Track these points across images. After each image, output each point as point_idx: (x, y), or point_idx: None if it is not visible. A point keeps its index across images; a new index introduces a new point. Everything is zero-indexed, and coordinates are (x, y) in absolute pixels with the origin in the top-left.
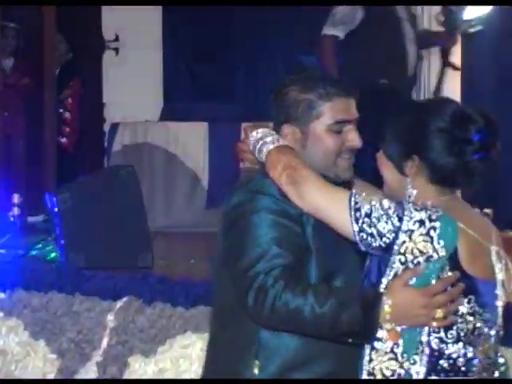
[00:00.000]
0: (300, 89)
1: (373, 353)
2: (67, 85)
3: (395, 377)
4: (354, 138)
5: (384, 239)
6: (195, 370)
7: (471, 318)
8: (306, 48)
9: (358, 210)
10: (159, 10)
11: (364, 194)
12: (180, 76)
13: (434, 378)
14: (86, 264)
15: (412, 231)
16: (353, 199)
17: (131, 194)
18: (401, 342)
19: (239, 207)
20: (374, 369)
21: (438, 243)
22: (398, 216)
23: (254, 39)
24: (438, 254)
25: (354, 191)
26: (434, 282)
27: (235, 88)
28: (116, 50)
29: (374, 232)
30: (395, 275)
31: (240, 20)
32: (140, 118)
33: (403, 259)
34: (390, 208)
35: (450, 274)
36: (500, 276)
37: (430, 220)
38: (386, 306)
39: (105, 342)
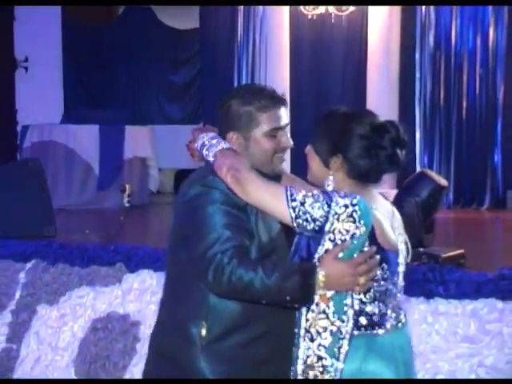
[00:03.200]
0: (241, 102)
1: (309, 314)
2: None
3: (327, 332)
4: (286, 141)
5: (317, 223)
6: (89, 315)
7: (384, 282)
8: (174, 68)
9: (293, 200)
10: (59, 36)
11: (297, 187)
12: (77, 89)
13: (356, 332)
14: (2, 234)
15: (339, 214)
16: (288, 192)
17: (38, 180)
18: (331, 304)
19: (196, 199)
20: (309, 326)
21: (359, 222)
22: (326, 203)
23: (134, 61)
24: (359, 231)
25: (288, 185)
26: (355, 255)
27: (120, 98)
28: (26, 68)
29: (309, 218)
30: (326, 251)
31: (123, 45)
32: (45, 121)
33: (332, 237)
34: (319, 197)
35: (368, 248)
36: (401, 247)
37: (352, 204)
38: (321, 276)
39: (17, 295)
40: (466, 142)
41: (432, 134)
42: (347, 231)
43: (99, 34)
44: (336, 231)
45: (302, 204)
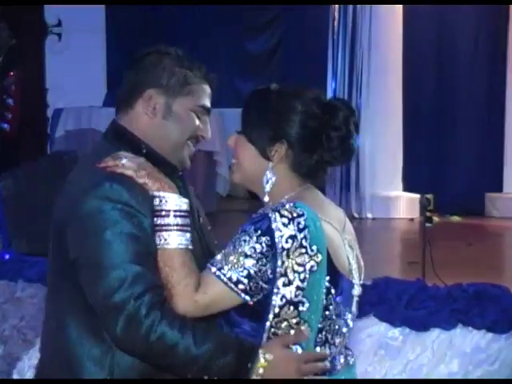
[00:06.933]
0: (177, 60)
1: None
2: (11, 71)
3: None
4: (206, 130)
5: (271, 281)
6: None
7: (336, 319)
8: (250, 34)
9: (238, 282)
10: None
11: (229, 260)
12: (123, 62)
13: None
14: (28, 250)
15: (288, 249)
16: (227, 277)
17: None
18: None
19: (90, 218)
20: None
21: (312, 250)
22: (267, 245)
23: (197, 25)
24: (315, 261)
25: (214, 263)
26: (323, 295)
27: None
28: (59, 35)
29: (262, 284)
30: (283, 298)
31: (184, 6)
32: (83, 103)
33: (286, 281)
34: (257, 243)
35: (327, 278)
36: (353, 264)
37: (300, 230)
38: (263, 360)
39: None
40: None
41: None
42: (302, 266)
43: None
44: (289, 271)
45: (249, 277)
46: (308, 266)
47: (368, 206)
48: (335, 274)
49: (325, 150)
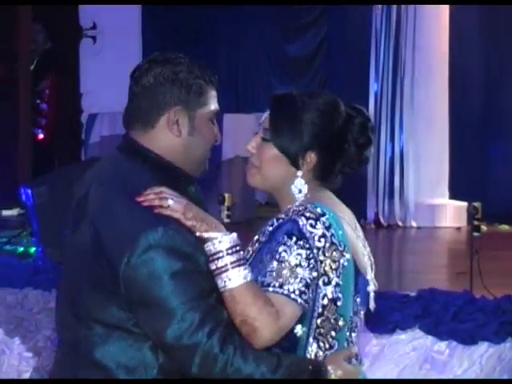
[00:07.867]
0: (190, 72)
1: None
2: (45, 75)
3: None
4: (218, 133)
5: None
6: None
7: (354, 316)
8: (290, 36)
9: (301, 293)
10: None
11: (283, 274)
12: None
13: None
14: (63, 259)
15: (322, 248)
16: (290, 292)
17: None
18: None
19: (145, 266)
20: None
21: (341, 246)
22: (307, 248)
23: (235, 27)
24: (345, 257)
25: (270, 284)
26: (352, 287)
27: (217, 77)
28: (93, 38)
29: (312, 285)
30: (324, 297)
31: (221, 7)
32: (119, 108)
33: (326, 279)
34: (299, 248)
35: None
36: (367, 261)
37: (326, 229)
38: (333, 376)
39: None
40: None
41: None
42: (337, 262)
43: None
44: (327, 269)
45: (307, 285)
46: (341, 262)
47: (412, 215)
48: (355, 272)
49: (347, 159)
